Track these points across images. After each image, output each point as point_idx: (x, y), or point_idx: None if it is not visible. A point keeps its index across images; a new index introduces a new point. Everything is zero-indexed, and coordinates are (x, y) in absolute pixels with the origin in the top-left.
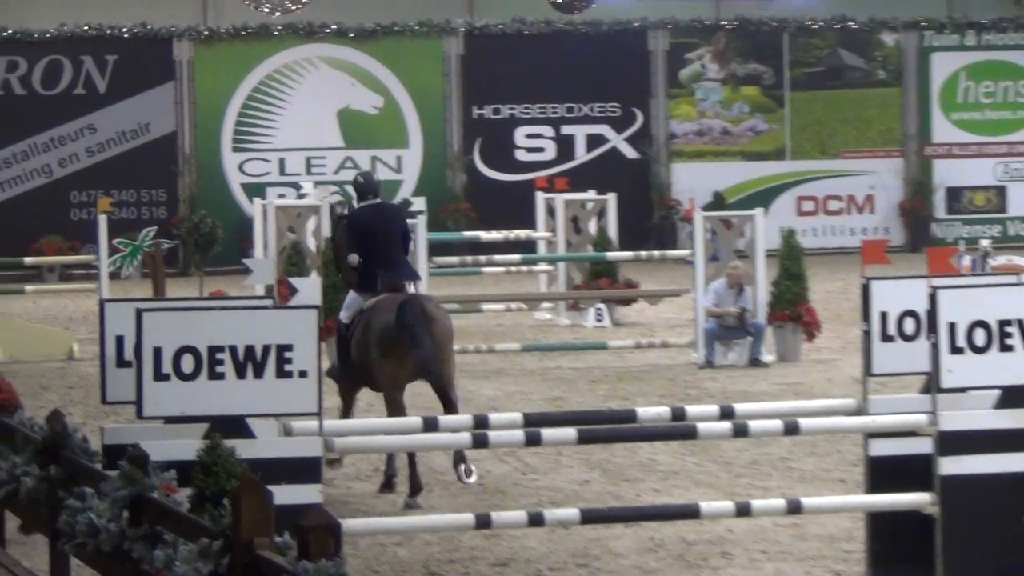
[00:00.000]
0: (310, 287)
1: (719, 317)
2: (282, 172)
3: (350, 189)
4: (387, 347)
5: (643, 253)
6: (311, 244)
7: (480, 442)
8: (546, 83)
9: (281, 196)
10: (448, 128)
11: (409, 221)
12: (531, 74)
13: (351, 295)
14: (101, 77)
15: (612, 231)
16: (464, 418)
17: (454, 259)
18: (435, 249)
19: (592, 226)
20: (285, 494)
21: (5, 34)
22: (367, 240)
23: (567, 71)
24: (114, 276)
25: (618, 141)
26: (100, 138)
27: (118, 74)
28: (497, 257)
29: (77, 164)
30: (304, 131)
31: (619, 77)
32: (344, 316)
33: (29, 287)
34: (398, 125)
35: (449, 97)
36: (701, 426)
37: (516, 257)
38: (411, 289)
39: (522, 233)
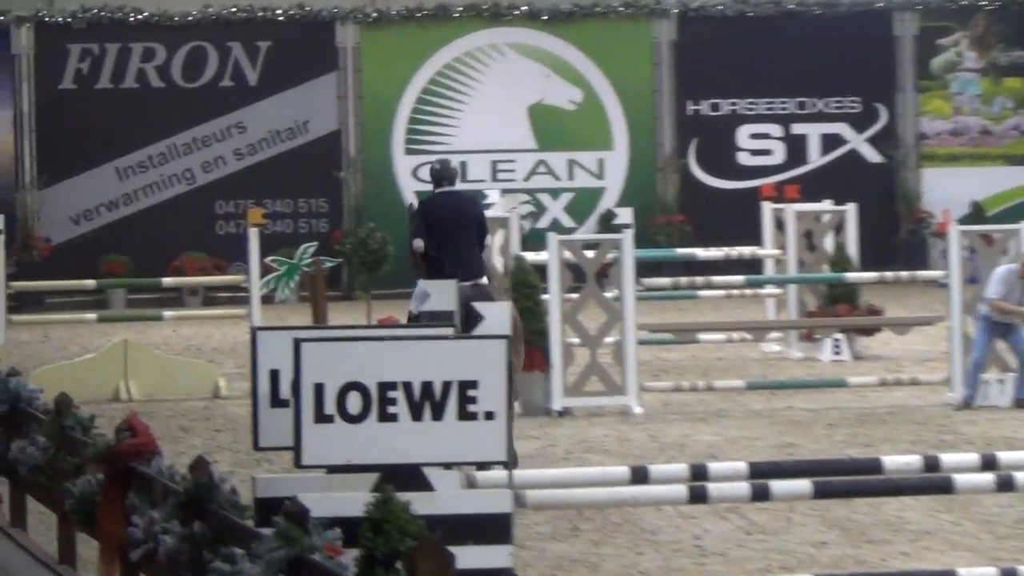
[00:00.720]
0: (497, 314)
1: (1004, 315)
2: (464, 178)
3: (540, 198)
4: None
5: (888, 274)
6: (498, 263)
7: (698, 496)
8: (774, 74)
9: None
10: (658, 127)
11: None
12: (756, 64)
13: (420, 285)
14: (252, 67)
15: (852, 248)
16: (678, 468)
17: (665, 281)
18: (644, 269)
19: (828, 242)
20: (469, 556)
21: (140, 17)
22: (436, 230)
23: (798, 60)
24: (267, 300)
25: (858, 142)
26: (250, 138)
27: (272, 64)
28: (716, 279)
29: (223, 169)
30: (489, 130)
31: (859, 67)
32: (414, 307)
33: (168, 312)
34: (600, 123)
35: (660, 90)
36: (958, 478)
37: (739, 279)
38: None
39: (746, 250)
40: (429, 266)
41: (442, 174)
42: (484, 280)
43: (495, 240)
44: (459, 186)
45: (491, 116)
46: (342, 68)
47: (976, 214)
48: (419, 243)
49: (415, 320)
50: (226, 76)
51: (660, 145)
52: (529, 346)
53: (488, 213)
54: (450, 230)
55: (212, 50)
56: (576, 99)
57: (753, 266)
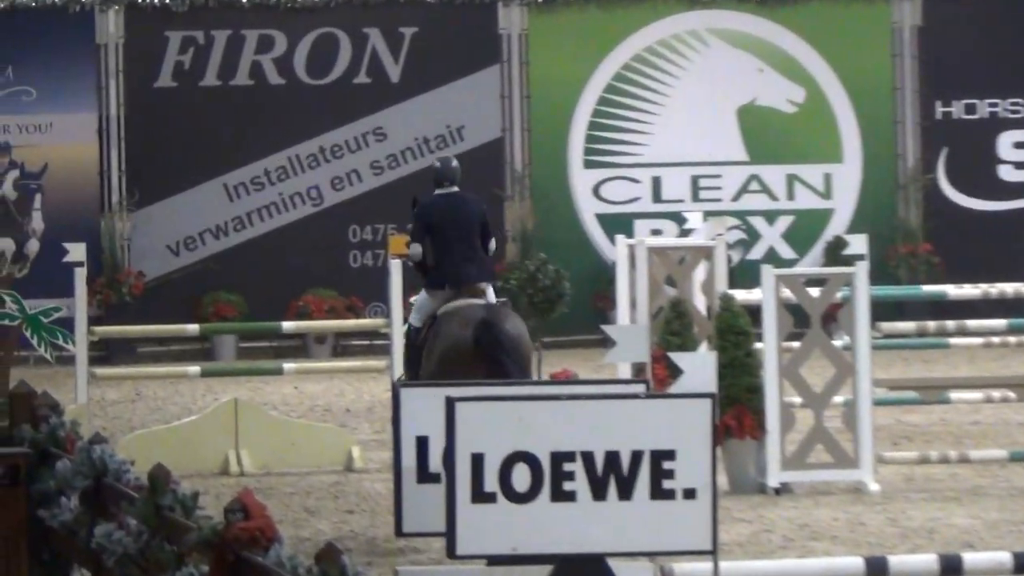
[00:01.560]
0: (700, 366)
1: None
2: (657, 197)
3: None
4: (453, 367)
5: None
6: (700, 303)
7: None
8: None
9: (656, 233)
10: (900, 134)
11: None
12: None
13: (421, 295)
14: (393, 60)
15: None
16: (926, 559)
17: (909, 325)
18: (881, 310)
19: None
20: None
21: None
22: (437, 233)
23: None
24: None
25: None
26: (392, 147)
27: (417, 55)
28: (972, 323)
29: (359, 185)
30: (689, 138)
31: None
32: (415, 320)
33: (289, 364)
34: (827, 129)
35: (901, 88)
36: None
37: (1001, 323)
38: (490, 296)
39: (1009, 287)
40: (430, 273)
41: (443, 173)
42: (491, 292)
43: (696, 274)
44: (456, 188)
45: (691, 121)
46: (506, 60)
47: None
48: (416, 249)
49: (417, 334)
50: (361, 71)
51: (901, 157)
52: (739, 406)
53: (687, 241)
54: (451, 235)
55: (344, 38)
56: (797, 99)
57: (1018, 307)
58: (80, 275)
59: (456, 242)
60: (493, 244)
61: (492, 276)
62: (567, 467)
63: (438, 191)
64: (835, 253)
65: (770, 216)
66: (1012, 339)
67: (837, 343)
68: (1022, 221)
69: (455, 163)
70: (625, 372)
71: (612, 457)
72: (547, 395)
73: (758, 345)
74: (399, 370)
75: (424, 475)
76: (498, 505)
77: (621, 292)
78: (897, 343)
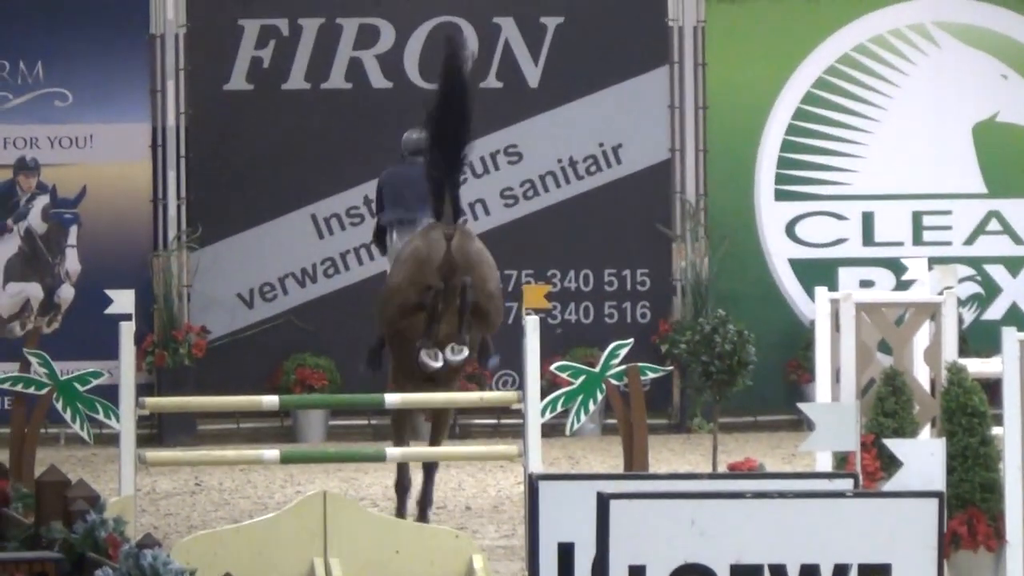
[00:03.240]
0: (923, 457)
1: None
2: (868, 239)
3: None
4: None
5: None
6: (922, 375)
7: None
8: None
9: (867, 285)
10: None
11: None
12: None
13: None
14: (532, 59)
15: None
16: None
17: None
18: None
19: None
20: None
21: None
22: (396, 208)
23: None
24: (553, 431)
25: None
26: (529, 171)
27: (563, 53)
28: None
29: (485, 220)
30: (910, 164)
31: None
32: None
33: (393, 449)
34: None
35: None
36: None
37: None
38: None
39: None
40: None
41: (408, 143)
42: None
43: (918, 338)
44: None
45: (913, 142)
46: (677, 61)
47: None
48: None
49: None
50: (491, 73)
51: None
52: (972, 508)
53: (907, 295)
54: (412, 209)
55: (470, 31)
56: None
57: None
58: (127, 331)
59: (417, 219)
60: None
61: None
62: None
63: (408, 161)
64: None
65: (1014, 264)
66: None
67: None
68: None
69: (418, 133)
70: (826, 463)
71: (810, 572)
72: (727, 492)
73: (997, 430)
74: (536, 458)
75: None
76: None
77: (821, 360)
78: None
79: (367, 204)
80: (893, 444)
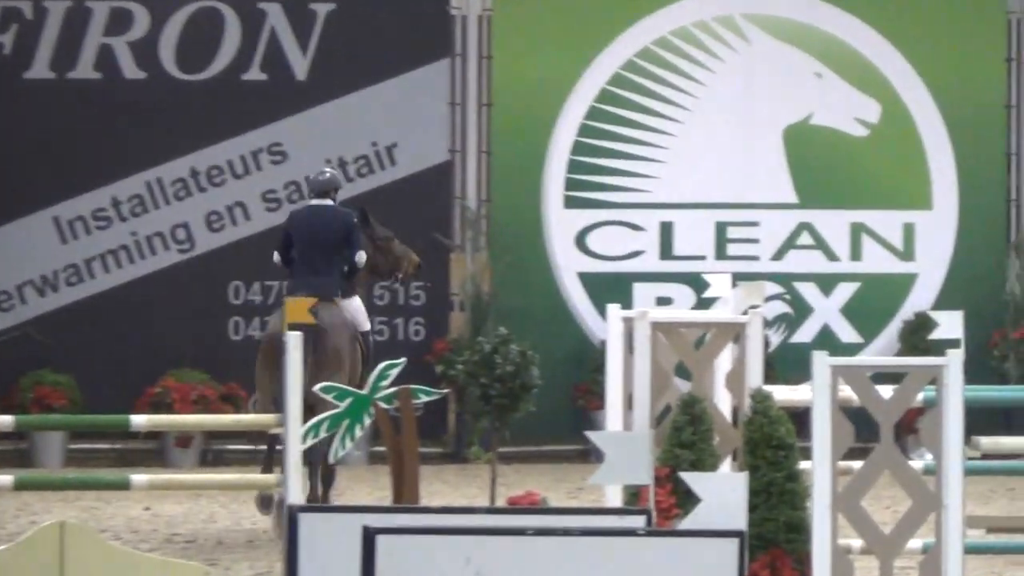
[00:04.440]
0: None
1: None
2: (667, 252)
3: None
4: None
5: None
6: (723, 402)
7: None
8: None
9: (664, 302)
10: (1015, 170)
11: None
12: None
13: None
14: (300, 49)
15: None
16: None
17: (1019, 441)
18: (981, 420)
19: None
20: None
21: None
22: (297, 244)
23: None
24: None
25: None
26: (293, 171)
27: (334, 43)
28: None
29: (245, 225)
30: (715, 169)
31: None
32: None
33: (139, 476)
34: (910, 161)
35: (1017, 106)
36: None
37: None
38: (336, 308)
39: None
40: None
41: (311, 185)
42: (342, 304)
43: (719, 362)
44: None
45: (718, 145)
46: (459, 53)
47: None
48: (275, 257)
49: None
50: (254, 63)
51: (1015, 203)
52: (775, 550)
53: (708, 315)
54: (305, 247)
55: (232, 17)
56: (869, 118)
57: None
58: None
59: (309, 251)
60: (360, 256)
61: (340, 289)
62: None
63: (308, 202)
64: (916, 337)
65: (826, 282)
66: None
67: (916, 464)
68: None
69: (328, 174)
70: (616, 499)
71: None
72: (506, 528)
73: (804, 465)
74: (296, 488)
75: None
76: None
77: (613, 385)
78: (1001, 466)
79: (115, 206)
80: (690, 478)
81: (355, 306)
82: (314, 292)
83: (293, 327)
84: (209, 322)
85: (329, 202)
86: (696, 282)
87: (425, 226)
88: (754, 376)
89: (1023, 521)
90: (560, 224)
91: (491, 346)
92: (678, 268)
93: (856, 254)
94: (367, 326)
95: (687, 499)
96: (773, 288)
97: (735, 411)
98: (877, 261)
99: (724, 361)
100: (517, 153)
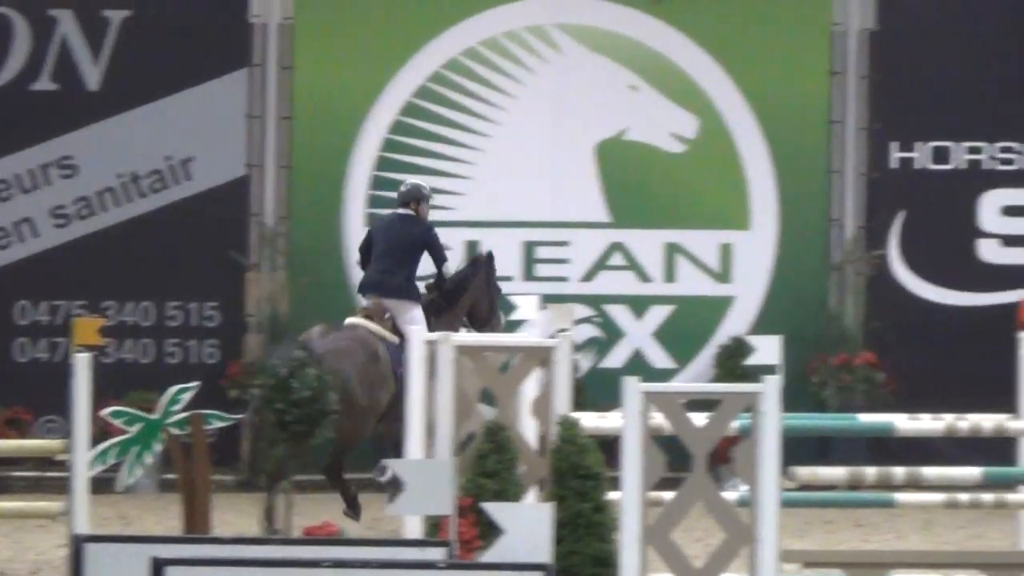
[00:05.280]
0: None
1: None
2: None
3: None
4: None
5: None
6: (529, 430)
7: None
8: None
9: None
10: (836, 189)
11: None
12: (1020, 76)
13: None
14: (92, 57)
15: None
16: None
17: (837, 472)
18: (798, 450)
19: None
20: None
21: None
22: (374, 247)
23: None
24: (104, 486)
25: None
26: (84, 187)
27: (129, 52)
28: (930, 471)
29: (32, 242)
30: (524, 186)
31: None
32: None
33: None
34: (728, 179)
35: (841, 122)
36: None
37: (974, 472)
38: (399, 313)
39: (986, 420)
40: None
41: (399, 195)
42: (405, 308)
43: (525, 387)
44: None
45: (528, 161)
46: (258, 64)
47: None
48: (357, 258)
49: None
50: (44, 73)
51: (837, 223)
52: None
53: (514, 338)
54: (378, 250)
55: (21, 24)
56: (686, 133)
57: (998, 450)
58: None
59: (380, 257)
60: (447, 267)
61: (405, 293)
62: None
63: (397, 211)
64: (732, 362)
65: (639, 304)
66: (987, 496)
67: (730, 495)
68: (1008, 323)
69: (410, 185)
70: (416, 530)
71: None
72: (302, 560)
73: (613, 495)
74: (83, 518)
75: None
76: None
77: (414, 411)
78: (819, 498)
79: None
80: (494, 509)
81: (413, 315)
82: (381, 292)
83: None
84: None
85: (409, 212)
86: (502, 304)
87: (220, 243)
88: (562, 402)
89: (840, 555)
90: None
91: (288, 370)
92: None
93: (670, 276)
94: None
95: (490, 530)
96: (583, 311)
97: (542, 439)
98: (692, 283)
99: (531, 386)
100: (318, 168)
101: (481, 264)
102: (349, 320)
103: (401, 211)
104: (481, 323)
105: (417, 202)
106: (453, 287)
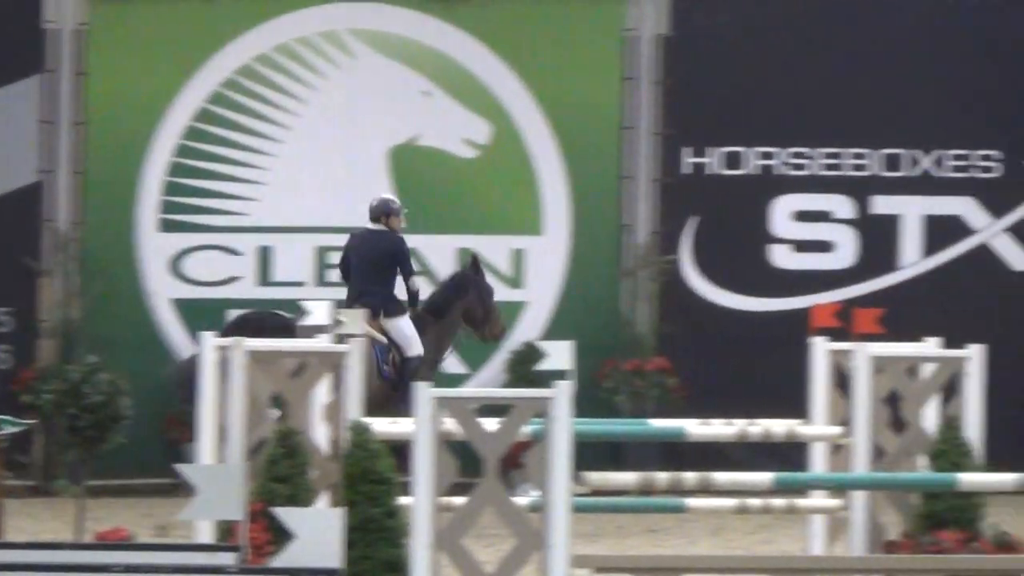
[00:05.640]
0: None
1: None
2: (265, 278)
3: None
4: None
5: None
6: (321, 435)
7: None
8: (843, 104)
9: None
10: (629, 195)
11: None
12: (812, 82)
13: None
14: None
15: (973, 426)
16: None
17: (628, 477)
18: (589, 455)
19: (931, 416)
20: None
21: None
22: (350, 263)
23: (888, 79)
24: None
25: (993, 233)
26: None
27: None
28: (721, 476)
29: None
30: (317, 192)
31: (1003, 95)
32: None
33: None
34: (520, 184)
35: (634, 128)
36: None
37: (764, 477)
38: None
39: (779, 425)
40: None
41: (370, 210)
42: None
43: (317, 393)
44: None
45: (321, 167)
46: (52, 69)
47: None
48: (338, 275)
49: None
50: None
51: (629, 228)
52: None
53: (307, 343)
54: (354, 265)
55: None
56: (479, 139)
57: (793, 455)
58: None
59: (356, 273)
60: (414, 282)
61: (384, 308)
62: None
63: (368, 225)
64: (524, 368)
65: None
66: (778, 502)
67: (521, 500)
68: (801, 328)
69: (378, 200)
70: (208, 534)
71: None
72: (93, 565)
73: (405, 500)
74: None
75: None
76: None
77: (206, 416)
78: (610, 503)
79: None
80: (285, 513)
81: (398, 327)
82: (358, 307)
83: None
84: None
85: (380, 227)
86: (295, 309)
87: (13, 249)
88: (353, 408)
89: (632, 560)
90: (154, 248)
91: (80, 375)
92: (277, 294)
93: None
94: (412, 351)
95: (282, 535)
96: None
97: (334, 444)
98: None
99: (322, 392)
100: (111, 174)
101: (468, 271)
102: None
103: (372, 226)
104: (478, 325)
105: (387, 216)
106: (440, 299)
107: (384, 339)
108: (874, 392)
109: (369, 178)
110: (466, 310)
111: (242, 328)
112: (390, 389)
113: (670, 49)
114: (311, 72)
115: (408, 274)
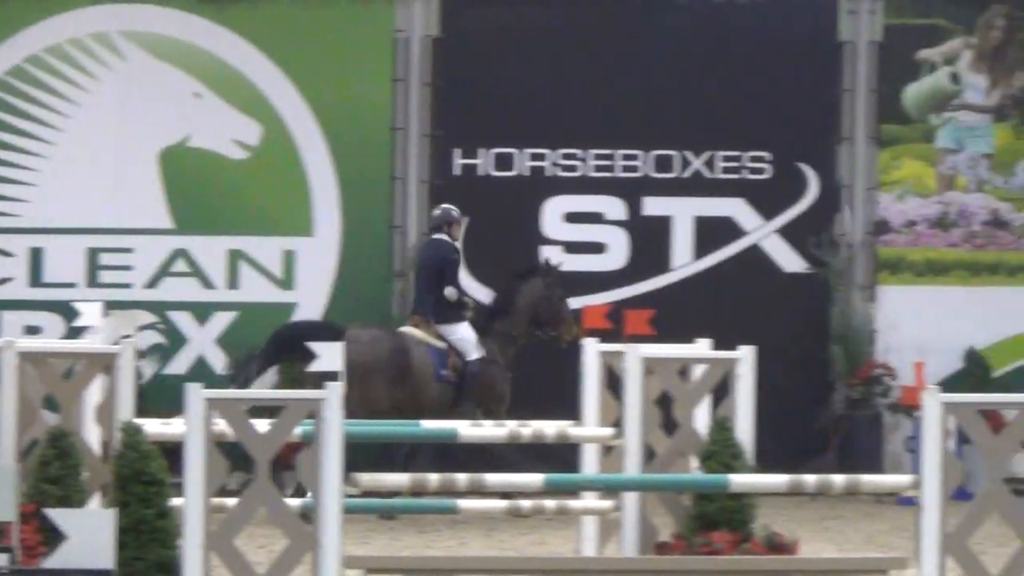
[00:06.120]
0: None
1: None
2: (36, 279)
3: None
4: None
5: (810, 478)
6: (93, 436)
7: None
8: (615, 105)
9: (33, 331)
10: (400, 196)
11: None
12: (584, 84)
13: None
14: None
15: (744, 428)
16: None
17: (400, 478)
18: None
19: (702, 417)
20: None
21: None
22: (416, 271)
23: (661, 81)
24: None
25: (764, 235)
26: None
27: None
28: (493, 477)
29: None
30: (87, 193)
31: (774, 97)
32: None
33: None
34: (291, 185)
35: (405, 129)
36: None
37: (536, 479)
38: (440, 329)
39: (550, 425)
40: None
41: (431, 219)
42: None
43: (89, 394)
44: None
45: (92, 168)
46: None
47: (975, 372)
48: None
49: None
50: None
51: (400, 229)
52: None
53: (77, 344)
54: (417, 273)
55: None
56: (249, 140)
57: (562, 456)
58: None
59: (417, 280)
60: (449, 291)
61: (439, 316)
62: None
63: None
64: (295, 369)
65: (201, 311)
66: (550, 503)
67: (293, 501)
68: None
69: (439, 211)
70: None
71: None
72: None
73: (177, 501)
74: None
75: None
76: None
77: None
78: (381, 504)
79: None
80: (57, 515)
81: (456, 332)
82: (418, 312)
83: None
84: None
85: (441, 236)
86: (66, 310)
87: None
88: (125, 409)
89: (403, 562)
90: None
91: None
92: (47, 296)
93: (233, 282)
94: (472, 355)
95: (53, 536)
96: (147, 317)
97: (105, 445)
98: (255, 289)
99: (94, 393)
100: None
101: (538, 272)
102: (402, 328)
103: (435, 236)
104: (544, 327)
105: (449, 225)
106: (501, 302)
107: (441, 344)
108: (645, 393)
109: (140, 179)
110: (532, 312)
111: (291, 337)
112: (454, 392)
113: (440, 50)
114: (82, 73)
115: (447, 283)
